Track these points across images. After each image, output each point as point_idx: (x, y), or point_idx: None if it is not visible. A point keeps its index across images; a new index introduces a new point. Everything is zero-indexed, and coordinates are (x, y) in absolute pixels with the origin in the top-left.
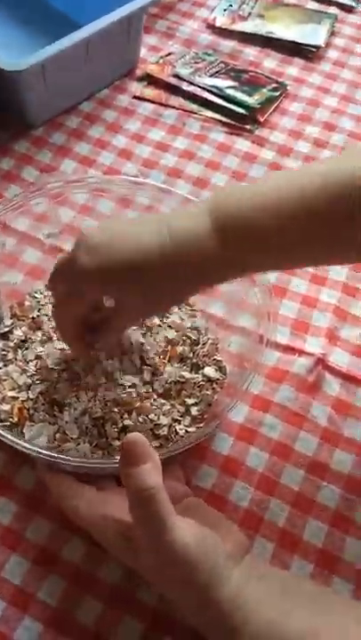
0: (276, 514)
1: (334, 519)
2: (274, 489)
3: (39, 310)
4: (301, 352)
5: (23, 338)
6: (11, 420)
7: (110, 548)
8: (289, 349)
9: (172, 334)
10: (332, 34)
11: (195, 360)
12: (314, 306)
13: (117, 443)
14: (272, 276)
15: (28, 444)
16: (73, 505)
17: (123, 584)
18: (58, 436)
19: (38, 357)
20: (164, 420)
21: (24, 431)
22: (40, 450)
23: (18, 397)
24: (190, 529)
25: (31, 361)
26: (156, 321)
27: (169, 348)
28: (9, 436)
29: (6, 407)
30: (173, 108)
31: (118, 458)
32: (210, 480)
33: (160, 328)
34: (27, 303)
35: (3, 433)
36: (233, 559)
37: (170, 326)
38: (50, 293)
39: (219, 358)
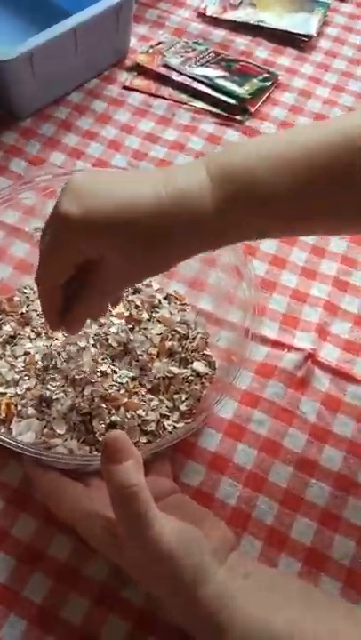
0: (265, 511)
1: (323, 517)
2: (262, 486)
3: (28, 306)
4: (291, 347)
5: (12, 333)
6: None
7: (96, 544)
8: (278, 344)
9: (160, 329)
10: (325, 23)
11: (184, 355)
12: (304, 300)
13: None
14: (262, 270)
15: (14, 440)
16: (59, 501)
17: (109, 582)
18: (45, 431)
19: (27, 353)
20: (152, 416)
21: (11, 427)
22: (26, 446)
23: (6, 393)
24: (173, 527)
25: (20, 356)
26: (145, 315)
27: (158, 342)
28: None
29: None
30: (163, 98)
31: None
32: (197, 477)
33: (149, 322)
34: (15, 298)
35: None
36: (218, 556)
37: (159, 321)
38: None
39: (208, 353)
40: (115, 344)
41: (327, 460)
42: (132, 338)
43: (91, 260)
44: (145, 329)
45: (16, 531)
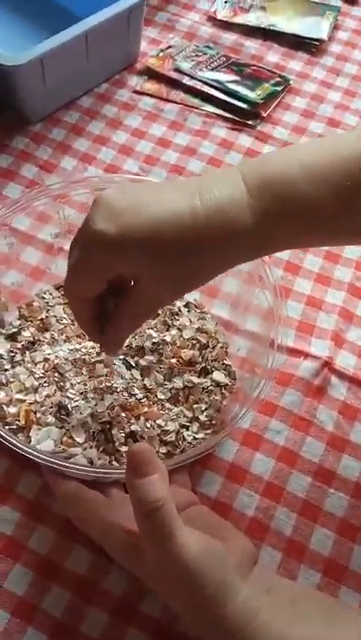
0: (283, 522)
1: (342, 527)
2: (280, 496)
3: (48, 311)
4: (307, 355)
5: (31, 339)
6: (17, 422)
7: (117, 556)
8: (294, 352)
9: (184, 335)
10: (335, 27)
11: (203, 364)
12: (319, 307)
13: (124, 448)
14: (276, 276)
15: (33, 449)
16: (79, 512)
17: (128, 594)
18: (64, 439)
19: (46, 359)
20: (172, 426)
21: (30, 435)
22: (47, 457)
23: (25, 400)
24: (197, 541)
25: (39, 363)
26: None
27: (178, 352)
28: (14, 441)
29: (13, 410)
30: (174, 102)
31: (124, 465)
32: (215, 487)
33: (169, 331)
34: (35, 304)
35: (8, 437)
36: (241, 570)
37: (179, 329)
38: (57, 294)
39: (228, 363)
40: (135, 352)
41: (345, 470)
42: (151, 347)
43: (123, 275)
44: (164, 339)
45: (33, 543)
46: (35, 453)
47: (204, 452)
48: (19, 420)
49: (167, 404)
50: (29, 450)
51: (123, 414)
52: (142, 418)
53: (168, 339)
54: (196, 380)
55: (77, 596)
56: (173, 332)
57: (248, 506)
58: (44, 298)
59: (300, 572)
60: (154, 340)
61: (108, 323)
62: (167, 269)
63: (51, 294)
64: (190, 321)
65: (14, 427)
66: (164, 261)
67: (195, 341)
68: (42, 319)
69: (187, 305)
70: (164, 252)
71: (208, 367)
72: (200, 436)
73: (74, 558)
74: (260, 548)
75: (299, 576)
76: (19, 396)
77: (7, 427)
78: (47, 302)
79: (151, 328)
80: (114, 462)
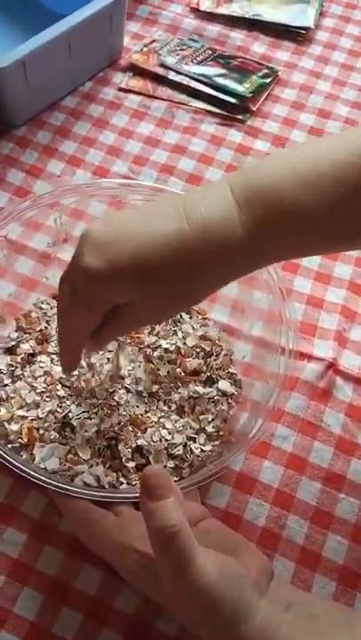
0: (295, 531)
1: (355, 533)
2: (291, 504)
3: (47, 322)
4: (311, 357)
5: (31, 352)
6: (20, 440)
7: (130, 579)
8: (298, 354)
9: (188, 343)
10: (321, 14)
11: (209, 373)
12: (320, 307)
13: (131, 464)
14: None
15: (38, 471)
16: (89, 533)
17: (141, 614)
18: (69, 457)
19: (47, 373)
20: (179, 439)
21: (34, 452)
22: (53, 481)
23: (27, 417)
24: (214, 563)
25: (40, 377)
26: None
27: (182, 361)
28: (18, 464)
29: (15, 427)
30: (161, 99)
31: (133, 483)
32: (223, 498)
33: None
34: (33, 314)
35: (11, 459)
36: (258, 588)
37: (182, 337)
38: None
39: (233, 371)
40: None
41: (355, 474)
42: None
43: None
44: (167, 347)
45: (41, 565)
46: (41, 477)
47: (220, 474)
48: (21, 438)
49: (173, 416)
50: (34, 473)
51: (130, 428)
52: (148, 430)
53: (171, 347)
54: (201, 390)
55: (90, 618)
56: (176, 340)
57: (259, 516)
58: (41, 308)
59: (315, 581)
60: (160, 348)
61: (101, 334)
62: (159, 293)
63: (48, 304)
64: (193, 328)
65: (17, 445)
66: (154, 287)
67: (199, 349)
68: (41, 330)
69: (188, 312)
70: (154, 278)
71: (213, 376)
72: (208, 448)
73: (84, 578)
74: (272, 559)
75: (314, 585)
76: (20, 412)
77: (10, 445)
78: (45, 313)
79: (155, 335)
80: (121, 479)
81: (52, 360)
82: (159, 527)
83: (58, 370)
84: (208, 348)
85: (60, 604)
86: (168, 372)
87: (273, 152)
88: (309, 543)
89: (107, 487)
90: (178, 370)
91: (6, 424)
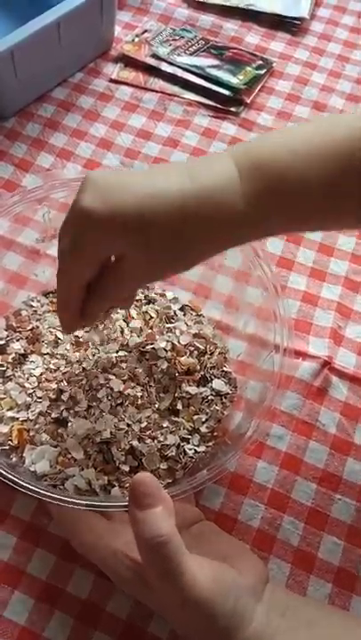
0: (290, 532)
1: (350, 534)
2: (285, 505)
3: (38, 320)
4: (305, 355)
5: (22, 352)
6: (10, 442)
7: (122, 586)
8: (293, 353)
9: (181, 342)
10: (316, 4)
11: (202, 372)
12: (315, 303)
13: (125, 467)
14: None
15: (28, 477)
16: (81, 538)
17: (134, 617)
18: (60, 459)
19: (40, 374)
20: (172, 440)
21: (24, 455)
22: (44, 486)
23: (17, 418)
24: (206, 571)
25: (31, 377)
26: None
27: (175, 360)
28: (4, 473)
29: (5, 429)
30: (153, 91)
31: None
32: (217, 499)
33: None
34: (23, 313)
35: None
36: (255, 593)
37: (176, 335)
38: (46, 301)
39: (228, 370)
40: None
41: (350, 474)
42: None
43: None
44: (161, 346)
45: (32, 568)
46: (29, 487)
47: (215, 478)
48: (11, 440)
49: (166, 416)
50: (23, 483)
51: (123, 427)
52: (141, 432)
53: (164, 345)
54: (195, 389)
55: (82, 622)
56: (170, 337)
57: (253, 517)
58: (32, 306)
59: (310, 582)
60: (152, 346)
61: (91, 296)
62: (156, 248)
63: (39, 301)
64: (187, 325)
65: (6, 447)
66: (152, 239)
67: (192, 348)
68: (32, 329)
69: (182, 308)
70: (153, 230)
71: (207, 375)
72: (201, 449)
73: (75, 581)
74: (267, 561)
75: (309, 587)
76: (10, 413)
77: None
78: (35, 310)
79: (151, 329)
80: (114, 482)
81: (43, 360)
82: (147, 537)
83: (51, 368)
84: (202, 347)
85: (52, 608)
86: (162, 370)
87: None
88: (305, 544)
89: (98, 491)
90: (171, 369)
91: None
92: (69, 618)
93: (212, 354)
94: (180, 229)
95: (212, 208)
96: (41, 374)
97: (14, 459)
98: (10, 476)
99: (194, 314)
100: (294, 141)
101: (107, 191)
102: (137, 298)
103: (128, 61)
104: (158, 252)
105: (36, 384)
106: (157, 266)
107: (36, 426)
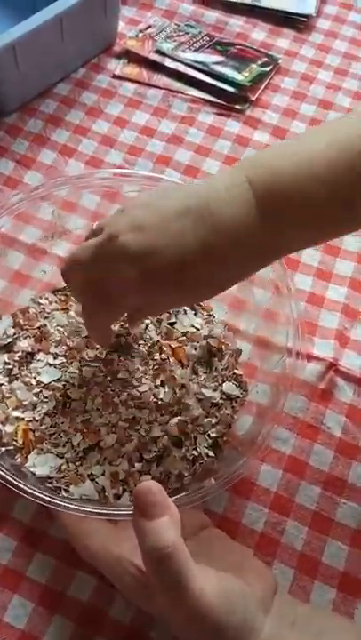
0: (294, 536)
1: (354, 539)
2: (289, 509)
3: (46, 318)
4: (310, 357)
5: (29, 350)
6: (15, 443)
7: (126, 594)
8: (304, 355)
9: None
10: (322, 1)
11: (213, 374)
12: (321, 305)
13: (137, 467)
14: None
15: (31, 480)
16: (84, 543)
17: (137, 622)
18: (63, 466)
19: (46, 372)
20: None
21: (29, 457)
22: (46, 490)
23: (23, 418)
24: (213, 583)
25: (38, 376)
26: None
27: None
28: (7, 476)
29: (10, 429)
30: (157, 87)
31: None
32: (220, 503)
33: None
34: (31, 310)
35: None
36: (263, 605)
37: (188, 337)
38: (54, 298)
39: (239, 372)
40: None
41: (356, 478)
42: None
43: None
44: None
45: (32, 572)
46: (31, 492)
47: (223, 488)
48: (16, 441)
49: (173, 420)
50: (23, 487)
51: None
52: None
53: (175, 345)
54: (205, 392)
55: (83, 627)
56: (180, 338)
57: (257, 521)
58: (40, 304)
59: (314, 588)
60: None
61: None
62: (181, 293)
63: (47, 299)
64: (200, 326)
65: (11, 448)
66: (178, 287)
67: (202, 349)
68: (39, 328)
69: (193, 308)
70: (181, 285)
71: (218, 377)
72: (211, 454)
73: (76, 585)
74: (271, 565)
75: (313, 593)
76: (16, 413)
77: (4, 447)
78: (44, 308)
79: (159, 333)
80: (125, 487)
81: (51, 361)
82: (153, 548)
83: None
84: (213, 348)
85: (52, 613)
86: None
87: (286, 144)
88: (309, 549)
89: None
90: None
91: (1, 425)
92: (70, 622)
93: (223, 355)
94: (205, 273)
95: (233, 248)
96: (47, 373)
97: (19, 459)
98: (13, 481)
99: (205, 313)
100: (319, 168)
101: (147, 230)
102: None
103: (132, 57)
104: (185, 293)
105: (42, 384)
106: (181, 304)
107: (42, 426)
